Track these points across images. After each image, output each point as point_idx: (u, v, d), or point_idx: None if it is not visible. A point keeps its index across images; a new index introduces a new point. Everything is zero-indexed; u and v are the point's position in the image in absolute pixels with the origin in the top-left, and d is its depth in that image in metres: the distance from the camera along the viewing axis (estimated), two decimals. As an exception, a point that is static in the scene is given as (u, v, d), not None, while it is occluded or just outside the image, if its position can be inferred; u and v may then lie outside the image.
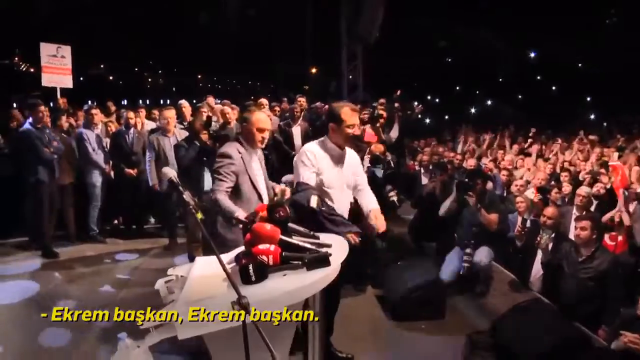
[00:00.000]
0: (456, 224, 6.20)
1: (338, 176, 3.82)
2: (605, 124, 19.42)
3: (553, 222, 5.79)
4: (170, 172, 2.58)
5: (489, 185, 7.14)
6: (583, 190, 6.81)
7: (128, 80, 37.36)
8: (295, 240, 2.47)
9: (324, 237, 2.67)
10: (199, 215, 2.46)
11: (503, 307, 5.03)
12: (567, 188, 7.28)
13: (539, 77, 30.05)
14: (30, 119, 6.61)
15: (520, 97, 30.46)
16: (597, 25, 24.74)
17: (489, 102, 31.11)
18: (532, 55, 29.57)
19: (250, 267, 2.28)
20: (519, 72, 28.32)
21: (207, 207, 5.81)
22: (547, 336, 4.12)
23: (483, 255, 5.82)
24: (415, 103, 9.64)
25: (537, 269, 5.91)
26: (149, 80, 42.36)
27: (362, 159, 6.76)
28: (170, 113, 7.21)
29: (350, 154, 4.00)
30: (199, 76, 39.30)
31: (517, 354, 4.15)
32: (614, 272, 4.95)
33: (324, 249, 2.46)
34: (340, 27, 11.35)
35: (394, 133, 8.06)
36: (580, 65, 23.98)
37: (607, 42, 23.27)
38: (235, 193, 3.75)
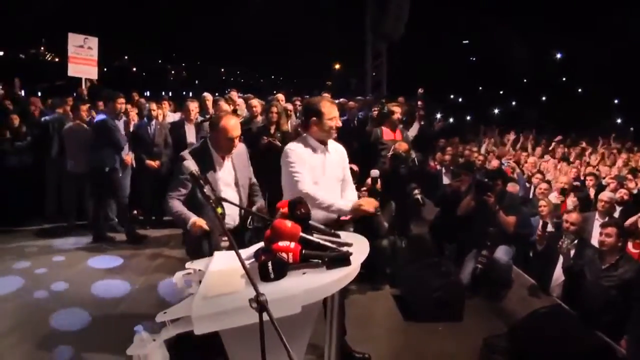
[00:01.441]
0: (476, 224, 6.07)
1: (323, 171, 3.75)
2: (632, 128, 19.09)
3: (576, 228, 5.69)
4: (192, 165, 2.56)
5: (514, 187, 7.05)
6: (606, 195, 6.69)
7: (151, 72, 37.67)
8: (316, 238, 2.44)
9: (345, 236, 2.64)
10: (219, 210, 2.45)
11: (521, 311, 4.98)
12: (591, 192, 7.17)
13: (564, 79, 29.64)
14: (107, 109, 6.98)
15: (544, 98, 30.08)
16: (624, 26, 24.31)
17: (513, 103, 30.75)
18: (558, 56, 29.21)
19: (270, 264, 2.25)
20: (544, 73, 27.95)
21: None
22: (565, 344, 4.05)
23: (502, 253, 5.75)
24: (438, 117, 9.54)
25: (558, 275, 5.80)
26: (172, 72, 42.67)
27: (384, 157, 6.78)
28: (194, 105, 7.25)
29: (337, 147, 3.92)
30: (222, 69, 39.50)
31: (533, 359, 4.10)
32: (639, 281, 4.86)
33: (344, 248, 2.42)
34: (365, 24, 11.27)
35: (413, 132, 8.00)
36: (608, 66, 23.49)
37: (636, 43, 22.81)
38: (191, 200, 3.80)
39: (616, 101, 27.89)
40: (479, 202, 5.92)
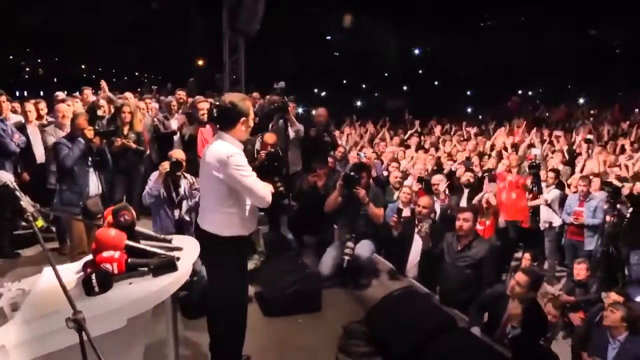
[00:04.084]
0: (338, 217, 6.11)
1: None
2: (480, 116, 20.77)
3: (428, 211, 6.07)
4: (6, 176, 2.36)
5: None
6: (436, 178, 7.31)
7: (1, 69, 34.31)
8: (143, 245, 2.35)
9: (177, 240, 2.57)
10: (39, 223, 2.29)
11: (380, 296, 5.11)
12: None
13: (420, 72, 31.58)
14: None
15: (405, 88, 31.75)
16: (474, 27, 26.67)
17: (376, 94, 32.06)
18: (417, 52, 31.06)
19: (93, 276, 2.15)
20: (404, 67, 29.49)
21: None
22: (414, 322, 4.29)
23: (364, 249, 5.75)
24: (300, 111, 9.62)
25: (413, 257, 6.17)
26: (27, 69, 39.35)
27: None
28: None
29: None
30: (83, 66, 36.92)
31: (388, 341, 4.29)
32: (489, 259, 5.29)
33: (173, 253, 2.36)
34: (222, 19, 11.14)
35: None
36: (460, 62, 25.51)
37: (483, 42, 25.11)
38: None
39: (468, 93, 30.29)
40: (346, 197, 5.79)
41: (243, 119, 3.47)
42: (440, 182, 7.40)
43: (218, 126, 3.64)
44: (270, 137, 6.45)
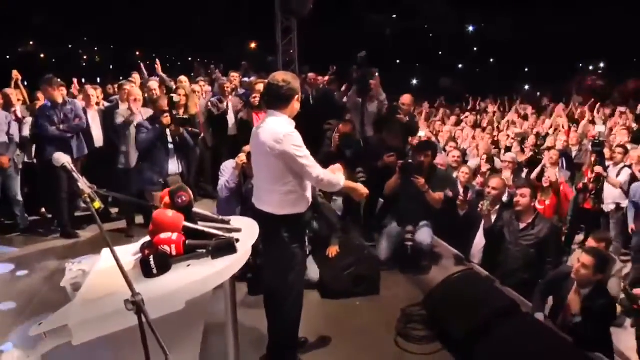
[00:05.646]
0: (400, 203, 5.92)
1: None
2: (538, 93, 20.01)
3: (498, 193, 5.82)
4: (63, 157, 2.34)
5: (442, 159, 7.12)
6: (508, 156, 6.99)
7: (61, 57, 35.55)
8: (201, 226, 2.30)
9: (235, 221, 2.51)
10: (97, 205, 2.26)
11: (440, 280, 4.95)
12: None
13: (475, 49, 30.72)
14: None
15: (460, 66, 31.02)
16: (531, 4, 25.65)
17: (429, 75, 31.47)
18: (471, 29, 30.21)
19: (151, 259, 2.11)
20: (458, 45, 28.79)
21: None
22: (475, 306, 4.14)
23: (424, 235, 5.58)
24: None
25: (479, 240, 5.93)
26: (84, 57, 40.62)
27: (329, 138, 6.67)
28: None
29: None
30: (137, 52, 37.82)
31: (447, 326, 4.17)
32: (553, 237, 5.09)
33: (232, 235, 2.30)
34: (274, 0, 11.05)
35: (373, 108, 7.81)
36: (516, 38, 24.64)
37: (539, 18, 24.11)
38: None
39: (525, 69, 29.28)
40: (405, 181, 5.64)
41: (297, 96, 3.42)
42: (512, 160, 7.10)
43: (268, 105, 3.56)
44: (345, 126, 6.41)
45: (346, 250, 5.28)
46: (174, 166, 6.22)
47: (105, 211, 7.25)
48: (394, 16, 28.72)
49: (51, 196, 6.65)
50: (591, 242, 5.26)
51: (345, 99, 7.53)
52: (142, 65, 8.87)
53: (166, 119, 6.02)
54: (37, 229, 7.02)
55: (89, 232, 6.75)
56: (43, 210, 7.55)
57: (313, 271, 5.08)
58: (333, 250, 5.23)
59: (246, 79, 9.60)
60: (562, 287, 4.33)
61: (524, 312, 4.27)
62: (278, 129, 3.27)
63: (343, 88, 8.36)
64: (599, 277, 4.07)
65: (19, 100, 7.46)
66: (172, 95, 6.69)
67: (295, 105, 3.43)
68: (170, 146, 6.20)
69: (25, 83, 8.93)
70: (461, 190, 6.23)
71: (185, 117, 6.53)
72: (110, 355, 2.12)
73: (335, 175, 3.48)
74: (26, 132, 6.97)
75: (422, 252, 5.57)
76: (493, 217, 5.52)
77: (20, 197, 6.81)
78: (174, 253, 2.16)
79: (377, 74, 7.04)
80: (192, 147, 6.68)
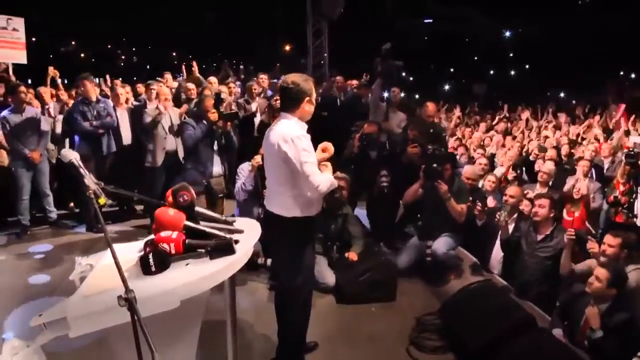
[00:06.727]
0: (422, 214, 5.84)
1: None
2: (574, 101, 19.54)
3: (515, 201, 5.70)
4: (71, 154, 2.38)
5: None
6: (546, 166, 6.80)
7: (100, 57, 36.36)
8: (203, 226, 2.30)
9: (240, 223, 2.51)
10: (102, 201, 2.29)
11: (458, 289, 4.91)
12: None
13: (511, 55, 30.22)
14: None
15: (492, 72, 30.56)
16: (570, 9, 25.03)
17: (463, 81, 31.09)
18: (507, 34, 29.71)
19: (151, 256, 2.12)
20: (492, 50, 28.37)
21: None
22: (491, 319, 4.05)
23: (440, 245, 5.45)
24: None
25: (498, 251, 5.81)
26: (122, 57, 41.40)
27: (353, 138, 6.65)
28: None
29: None
30: (174, 53, 38.42)
31: (462, 337, 4.09)
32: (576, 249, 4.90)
33: (233, 235, 2.29)
34: (305, 3, 11.11)
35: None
36: (552, 44, 24.09)
37: (578, 25, 23.53)
38: None
39: (560, 77, 28.67)
40: (427, 190, 5.50)
41: (307, 98, 3.39)
42: (550, 170, 6.90)
43: (280, 107, 3.54)
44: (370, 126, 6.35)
45: (364, 255, 5.25)
46: (217, 167, 6.19)
47: (131, 208, 7.43)
48: (427, 21, 28.46)
49: (78, 191, 6.78)
50: (609, 239, 4.95)
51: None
52: (227, 65, 9.02)
53: (213, 115, 5.97)
54: (65, 222, 7.22)
55: (116, 227, 6.95)
56: (71, 204, 7.73)
57: (329, 277, 5.06)
58: (353, 256, 5.20)
59: (275, 81, 9.65)
60: (578, 306, 4.18)
61: (540, 327, 4.15)
62: (287, 131, 3.26)
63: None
64: (612, 292, 3.92)
65: (52, 97, 7.68)
66: (217, 93, 6.78)
67: (307, 107, 3.40)
68: (215, 147, 6.18)
69: (65, 81, 9.21)
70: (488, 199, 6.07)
71: (232, 112, 6.56)
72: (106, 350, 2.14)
73: (332, 183, 3.44)
74: (58, 129, 7.18)
75: (439, 262, 5.47)
76: (510, 227, 5.40)
77: (49, 192, 6.97)
78: (173, 251, 2.16)
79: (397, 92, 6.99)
80: (235, 149, 6.71)
